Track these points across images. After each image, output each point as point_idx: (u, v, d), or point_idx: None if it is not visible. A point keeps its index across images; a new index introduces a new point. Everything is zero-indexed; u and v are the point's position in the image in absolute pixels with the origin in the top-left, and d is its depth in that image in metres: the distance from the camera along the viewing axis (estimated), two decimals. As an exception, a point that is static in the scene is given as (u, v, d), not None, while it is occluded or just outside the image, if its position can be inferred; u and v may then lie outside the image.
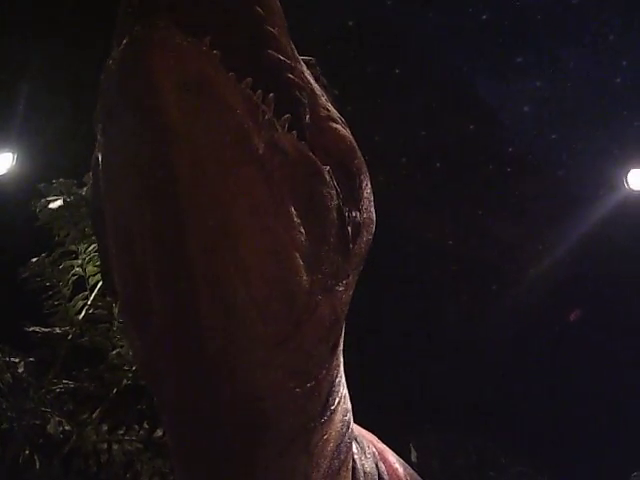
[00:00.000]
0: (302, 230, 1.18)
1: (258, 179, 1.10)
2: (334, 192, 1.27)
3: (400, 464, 1.83)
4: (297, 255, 1.16)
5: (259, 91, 1.12)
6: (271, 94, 1.15)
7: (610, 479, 7.22)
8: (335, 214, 1.28)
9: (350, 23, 7.37)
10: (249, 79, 1.10)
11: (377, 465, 1.71)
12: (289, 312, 1.18)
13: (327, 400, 1.39)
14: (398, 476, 1.77)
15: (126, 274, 1.19)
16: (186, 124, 1.00)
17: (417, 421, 7.65)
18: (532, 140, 8.15)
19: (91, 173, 1.33)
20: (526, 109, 8.02)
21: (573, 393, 7.78)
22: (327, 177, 1.26)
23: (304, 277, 1.19)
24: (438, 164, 8.12)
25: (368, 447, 1.73)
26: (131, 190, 1.09)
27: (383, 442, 1.89)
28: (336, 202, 1.28)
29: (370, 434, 1.86)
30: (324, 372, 1.34)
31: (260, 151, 1.09)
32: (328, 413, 1.40)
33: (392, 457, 1.83)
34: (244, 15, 1.24)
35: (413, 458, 7.16)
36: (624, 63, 7.65)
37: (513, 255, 8.56)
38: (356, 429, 1.66)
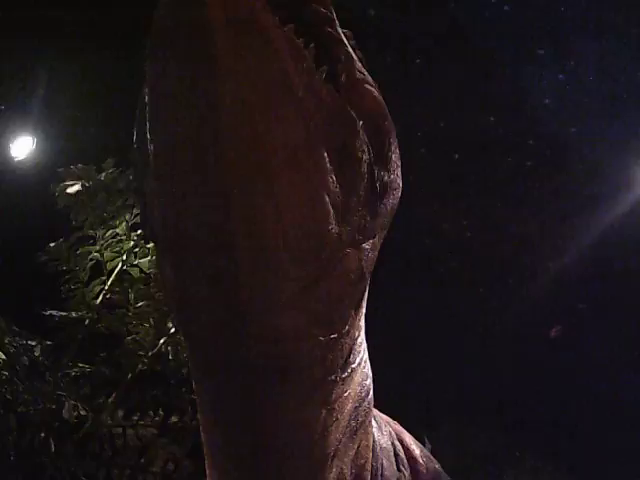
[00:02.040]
0: (334, 176, 1.21)
1: (296, 118, 1.13)
2: (365, 147, 1.31)
3: (417, 445, 1.89)
4: (328, 199, 1.20)
5: (301, 39, 1.17)
6: (312, 44, 1.23)
7: (627, 476, 7.19)
8: (365, 168, 1.32)
9: (371, 12, 7.35)
10: (291, 25, 1.15)
11: (393, 443, 1.76)
12: (317, 255, 1.23)
13: (348, 357, 1.43)
14: (414, 456, 1.83)
15: (166, 205, 1.23)
16: (232, 57, 1.05)
17: (432, 413, 7.63)
18: (553, 134, 8.08)
19: (137, 111, 1.35)
20: (547, 102, 7.97)
21: (592, 389, 7.74)
22: (360, 130, 1.30)
23: (333, 223, 1.23)
24: (457, 156, 8.08)
25: (385, 426, 1.78)
26: (177, 118, 1.14)
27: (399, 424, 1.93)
28: (367, 157, 1.32)
29: (388, 417, 1.90)
30: (347, 327, 1.39)
31: (299, 93, 1.13)
32: (349, 370, 1.44)
33: (409, 438, 1.88)
34: None
35: (427, 450, 7.14)
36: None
37: (531, 250, 8.51)
38: (375, 412, 1.70)
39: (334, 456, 1.43)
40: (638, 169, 7.75)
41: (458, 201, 8.37)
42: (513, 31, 7.66)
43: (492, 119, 7.92)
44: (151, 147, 1.22)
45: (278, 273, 1.18)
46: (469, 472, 7.32)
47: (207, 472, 1.52)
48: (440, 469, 2.04)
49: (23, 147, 6.36)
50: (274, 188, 1.13)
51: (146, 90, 1.23)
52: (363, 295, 1.49)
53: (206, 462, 1.52)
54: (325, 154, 1.19)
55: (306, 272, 1.22)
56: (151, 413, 4.86)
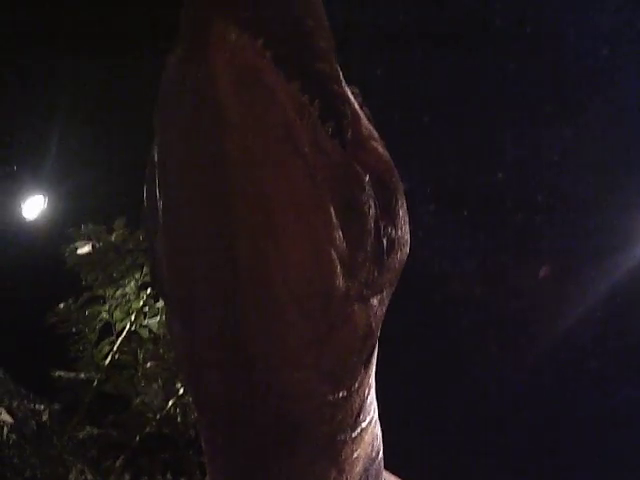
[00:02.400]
0: (340, 232, 1.20)
1: (301, 173, 1.13)
2: (372, 202, 1.30)
3: None
4: (335, 254, 1.19)
5: (306, 95, 1.17)
6: (317, 100, 1.20)
7: None
8: (372, 223, 1.30)
9: (378, 72, 7.43)
10: (297, 82, 1.15)
11: None
12: (325, 310, 1.21)
13: (358, 416, 1.41)
14: None
15: (174, 262, 1.23)
16: (238, 112, 1.06)
17: (446, 475, 7.56)
18: (561, 190, 8.10)
19: (146, 171, 1.37)
20: (556, 158, 8.00)
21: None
22: (366, 186, 1.30)
23: (340, 278, 1.21)
24: (465, 212, 8.10)
25: None
26: (184, 174, 1.15)
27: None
28: (373, 212, 1.31)
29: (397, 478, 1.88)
30: (356, 385, 1.37)
31: (305, 148, 1.13)
32: (358, 430, 1.42)
33: None
34: (297, 27, 1.29)
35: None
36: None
37: (540, 305, 8.47)
38: (385, 474, 1.68)
39: None
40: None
41: (468, 257, 8.35)
42: (521, 88, 7.73)
43: (500, 175, 7.95)
44: (160, 204, 1.22)
45: (286, 329, 1.17)
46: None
47: None
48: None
49: (34, 206, 6.41)
50: (281, 244, 1.13)
51: (155, 147, 1.24)
52: (372, 352, 1.48)
53: None
54: (331, 209, 1.18)
55: (314, 327, 1.20)
56: (159, 477, 4.80)
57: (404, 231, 1.51)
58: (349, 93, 1.46)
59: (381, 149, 1.49)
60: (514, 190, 8.01)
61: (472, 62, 7.62)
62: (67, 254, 4.82)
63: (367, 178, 1.31)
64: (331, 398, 1.30)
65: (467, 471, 7.75)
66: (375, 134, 1.52)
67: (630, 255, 7.88)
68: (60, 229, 5.21)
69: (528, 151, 8.04)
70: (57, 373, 4.70)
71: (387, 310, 1.51)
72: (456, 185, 7.91)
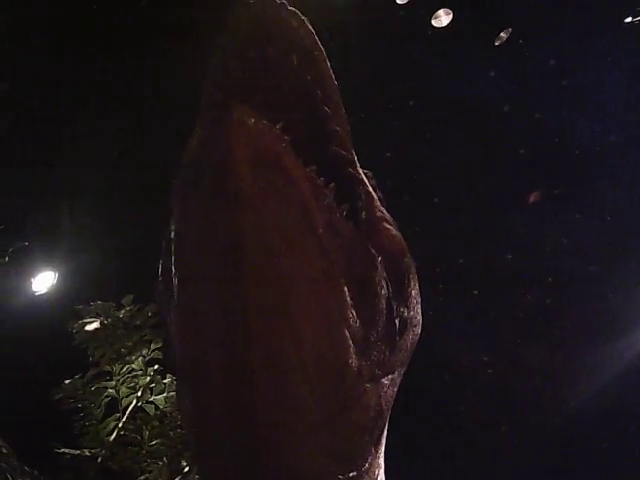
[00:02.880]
0: (353, 311, 1.22)
1: (316, 253, 1.16)
2: (385, 282, 1.33)
3: None
4: (348, 334, 1.20)
5: (322, 178, 1.21)
6: (332, 184, 1.24)
7: None
8: (384, 304, 1.33)
9: (388, 154, 7.53)
10: (313, 166, 1.19)
11: None
12: (336, 390, 1.21)
13: None
14: None
15: (187, 341, 1.24)
16: (256, 195, 1.09)
17: None
18: (571, 272, 8.10)
19: (162, 251, 1.40)
20: (565, 241, 8.02)
21: None
22: (379, 266, 1.32)
23: (353, 357, 1.22)
24: (475, 292, 8.09)
25: None
26: (202, 250, 1.17)
27: None
28: (386, 293, 1.33)
29: None
30: (366, 465, 1.35)
31: (320, 229, 1.16)
32: None
33: None
34: (315, 113, 1.37)
35: None
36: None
37: (553, 387, 8.38)
38: None
39: None
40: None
41: (479, 336, 8.30)
42: (528, 171, 7.80)
43: (510, 256, 7.95)
44: (175, 281, 1.24)
45: (297, 407, 1.17)
46: None
47: None
48: None
49: (44, 282, 6.44)
50: (294, 322, 1.14)
51: (172, 225, 1.27)
52: (383, 432, 1.47)
53: None
54: (345, 289, 1.20)
55: (325, 406, 1.20)
56: None
57: (416, 311, 1.52)
58: (363, 176, 1.50)
59: (394, 231, 1.53)
60: (523, 271, 8.01)
61: (484, 148, 7.72)
62: (75, 330, 4.81)
63: (380, 259, 1.34)
64: (341, 477, 1.28)
65: None
66: (388, 216, 1.56)
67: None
68: (69, 305, 5.21)
69: (536, 232, 8.07)
70: (61, 450, 4.63)
71: (399, 390, 1.51)
72: (466, 265, 7.92)
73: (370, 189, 1.53)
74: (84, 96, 6.68)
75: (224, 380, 1.17)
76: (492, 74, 7.75)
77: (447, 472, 7.70)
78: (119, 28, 6.50)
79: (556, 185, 7.98)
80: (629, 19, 6.71)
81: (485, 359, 8.31)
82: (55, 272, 6.53)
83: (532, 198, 8.00)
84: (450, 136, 7.81)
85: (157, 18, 6.31)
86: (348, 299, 1.21)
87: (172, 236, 1.27)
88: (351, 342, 1.21)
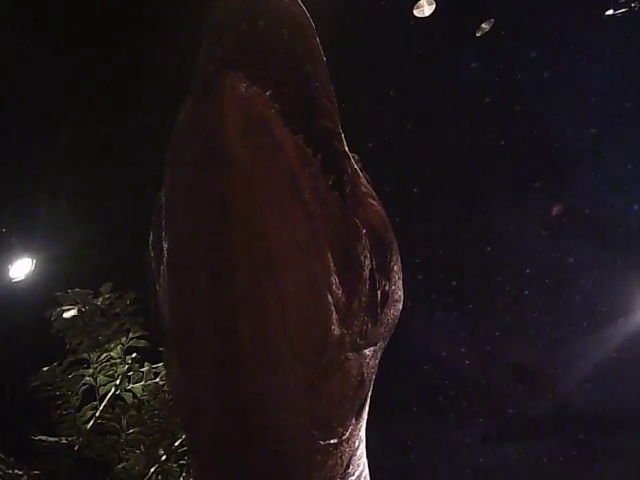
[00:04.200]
0: (336, 278, 1.24)
1: (302, 218, 1.18)
2: (368, 253, 1.35)
3: None
4: (331, 299, 1.22)
5: (309, 148, 1.22)
6: (319, 154, 1.26)
7: None
8: (367, 274, 1.35)
9: (369, 145, 7.52)
10: (301, 135, 1.21)
11: None
12: (319, 356, 1.23)
13: (347, 467, 1.41)
14: None
15: (176, 304, 1.26)
16: (245, 156, 1.11)
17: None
18: (550, 264, 8.15)
19: (154, 215, 1.41)
20: (544, 233, 8.07)
21: None
22: (363, 237, 1.35)
23: (335, 324, 1.24)
24: (454, 283, 8.12)
25: None
26: (191, 213, 1.19)
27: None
28: (369, 264, 1.35)
29: None
30: (347, 434, 1.38)
31: (306, 195, 1.18)
32: None
33: None
34: (304, 85, 1.40)
35: None
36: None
37: (530, 378, 8.44)
38: None
39: None
40: (634, 299, 7.78)
41: (458, 327, 8.35)
42: (508, 162, 7.83)
43: (488, 248, 7.99)
44: (165, 244, 1.26)
45: (281, 370, 1.19)
46: None
47: None
48: None
49: (22, 269, 6.40)
50: (279, 284, 1.15)
51: (163, 190, 1.29)
52: (364, 403, 1.50)
53: None
54: (329, 255, 1.22)
55: (308, 372, 1.22)
56: None
57: (397, 286, 1.54)
58: (349, 153, 1.51)
59: (378, 207, 1.55)
60: (502, 263, 8.05)
61: (465, 139, 7.74)
62: (53, 317, 4.77)
63: (364, 231, 1.36)
64: (322, 443, 1.31)
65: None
66: (372, 192, 1.57)
67: (618, 330, 7.90)
68: (47, 292, 5.18)
69: (515, 224, 8.11)
70: (38, 437, 4.60)
71: (380, 364, 1.53)
72: (444, 256, 7.95)
73: (356, 166, 1.56)
74: (59, 85, 6.63)
75: (210, 341, 1.19)
76: (473, 65, 7.77)
77: (425, 462, 7.76)
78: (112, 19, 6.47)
79: (535, 177, 8.02)
80: (610, 12, 6.74)
81: (463, 350, 8.35)
82: (33, 259, 6.50)
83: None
84: (430, 127, 7.83)
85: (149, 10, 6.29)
86: (332, 265, 1.23)
87: (163, 201, 1.28)
88: (333, 308, 1.23)
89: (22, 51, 6.40)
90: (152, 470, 4.62)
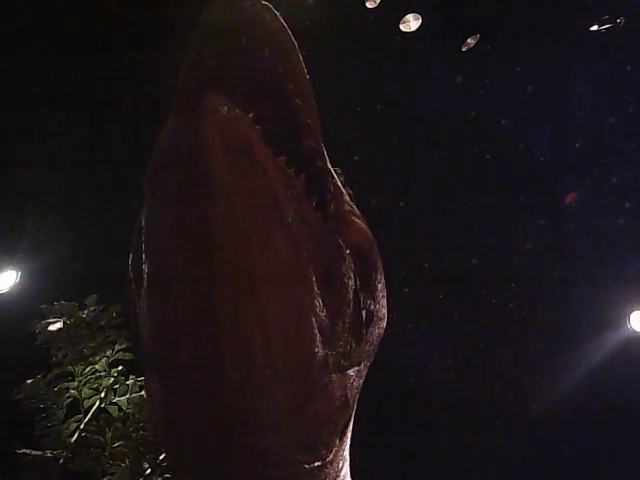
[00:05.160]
0: (320, 300, 1.23)
1: (285, 241, 1.17)
2: (352, 274, 1.35)
3: None
4: (314, 323, 1.22)
5: (292, 169, 1.22)
6: (302, 175, 1.26)
7: None
8: (351, 294, 1.35)
9: (355, 158, 7.54)
10: (283, 157, 1.21)
11: None
12: (303, 379, 1.22)
13: None
14: None
15: (156, 326, 1.25)
16: (227, 180, 1.10)
17: None
18: (535, 279, 8.18)
19: (133, 236, 1.40)
20: (529, 247, 8.10)
21: None
22: (347, 258, 1.34)
23: (320, 346, 1.24)
24: (440, 296, 8.13)
25: None
26: (172, 237, 1.18)
27: None
28: (353, 284, 1.36)
29: None
30: (331, 456, 1.36)
31: (288, 218, 1.18)
32: None
33: None
34: (286, 104, 1.39)
35: None
36: (627, 204, 7.79)
37: (515, 391, 8.44)
38: None
39: None
40: (620, 314, 7.80)
41: (444, 340, 8.35)
42: (494, 176, 7.87)
43: (475, 261, 8.01)
44: (145, 268, 1.24)
45: (264, 393, 1.18)
46: None
47: None
48: None
49: (7, 280, 6.37)
50: (262, 309, 1.14)
51: (143, 213, 1.27)
52: (348, 424, 1.49)
53: None
54: (312, 277, 1.21)
55: (292, 394, 1.21)
56: None
57: (382, 305, 1.54)
58: (332, 170, 1.51)
59: (362, 224, 1.55)
60: (489, 275, 8.07)
61: (451, 153, 7.78)
62: (38, 330, 4.74)
63: (348, 251, 1.36)
64: (306, 467, 1.29)
65: None
66: (357, 210, 1.58)
67: (606, 343, 7.92)
68: (32, 304, 5.15)
69: (503, 239, 8.14)
70: (22, 451, 4.56)
71: (364, 383, 1.52)
72: (432, 268, 7.97)
73: (339, 183, 1.56)
74: (50, 93, 6.62)
75: (192, 368, 1.18)
76: (459, 79, 7.81)
77: (410, 475, 7.73)
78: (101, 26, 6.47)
79: (521, 191, 8.05)
80: (595, 27, 6.80)
81: (449, 363, 8.35)
82: (18, 271, 6.47)
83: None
84: (417, 141, 7.86)
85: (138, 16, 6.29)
86: (315, 288, 1.22)
87: (143, 224, 1.27)
88: (317, 331, 1.23)
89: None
90: (136, 484, 4.59)
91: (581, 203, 7.94)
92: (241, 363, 1.15)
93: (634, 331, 7.66)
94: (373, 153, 7.73)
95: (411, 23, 6.68)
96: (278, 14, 1.40)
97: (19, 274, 6.40)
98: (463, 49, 7.17)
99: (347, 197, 1.58)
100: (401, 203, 7.92)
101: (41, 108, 6.65)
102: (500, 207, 8.08)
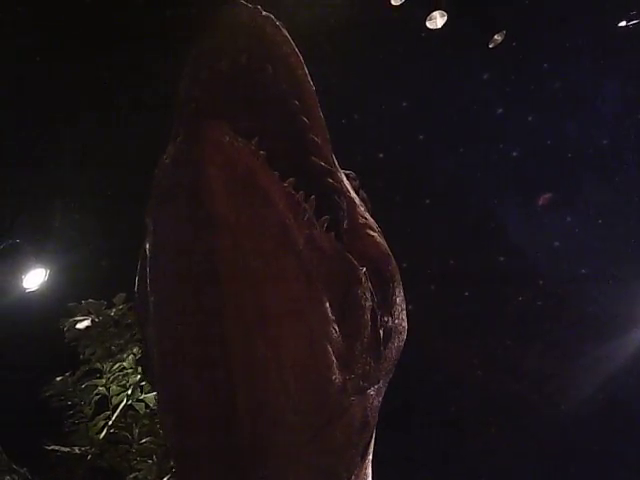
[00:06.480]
0: (336, 326, 1.20)
1: (296, 271, 1.14)
2: (369, 294, 1.31)
3: None
4: (331, 350, 1.18)
5: (301, 192, 1.18)
6: (312, 196, 1.22)
7: None
8: (368, 315, 1.30)
9: (380, 155, 7.53)
10: (292, 179, 1.17)
11: None
12: (321, 407, 1.19)
13: None
14: None
15: (166, 358, 1.21)
16: (231, 214, 1.07)
17: None
18: (563, 275, 8.12)
19: (138, 265, 1.36)
20: (557, 244, 8.04)
21: None
22: (363, 278, 1.30)
23: (337, 373, 1.20)
24: (467, 293, 8.10)
25: None
26: (176, 272, 1.14)
27: None
28: (370, 304, 1.31)
29: None
30: (353, 478, 1.33)
31: (299, 246, 1.14)
32: None
33: None
34: (292, 123, 1.34)
35: None
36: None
37: (542, 387, 8.39)
38: None
39: None
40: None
41: (470, 338, 8.32)
42: (521, 173, 7.82)
43: (502, 259, 7.97)
44: (151, 301, 1.22)
45: (280, 427, 1.15)
46: None
47: None
48: None
49: (35, 279, 6.42)
50: (276, 341, 1.12)
51: (146, 244, 1.25)
52: (370, 442, 1.44)
53: None
54: (327, 303, 1.19)
55: (310, 424, 1.18)
56: None
57: (401, 319, 1.50)
58: (345, 181, 1.48)
59: (378, 237, 1.50)
60: (515, 273, 8.02)
61: (477, 150, 7.74)
62: (66, 328, 4.79)
63: (364, 270, 1.32)
64: None
65: None
66: (371, 222, 1.53)
67: (632, 339, 7.86)
68: (60, 303, 5.19)
69: (530, 236, 8.09)
70: (51, 447, 4.61)
71: (384, 398, 1.49)
72: (458, 266, 7.93)
73: (352, 194, 1.51)
74: (77, 94, 6.67)
75: (203, 404, 1.15)
76: (485, 76, 7.77)
77: (439, 474, 7.72)
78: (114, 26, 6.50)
79: (549, 188, 8.00)
80: (623, 23, 6.74)
81: (475, 361, 8.32)
82: (46, 269, 6.52)
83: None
84: (443, 138, 7.83)
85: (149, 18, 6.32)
86: (330, 315, 1.19)
87: (146, 256, 1.24)
88: (334, 358, 1.19)
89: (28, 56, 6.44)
90: (164, 480, 4.62)
91: (608, 200, 7.87)
92: (255, 395, 1.12)
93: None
94: (399, 150, 7.72)
95: (437, 20, 6.65)
96: (280, 24, 1.35)
97: (47, 272, 6.45)
98: (490, 46, 7.12)
99: (361, 208, 1.52)
100: (427, 200, 7.90)
101: (69, 106, 6.70)
102: (528, 204, 8.04)
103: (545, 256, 8.09)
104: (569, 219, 8.00)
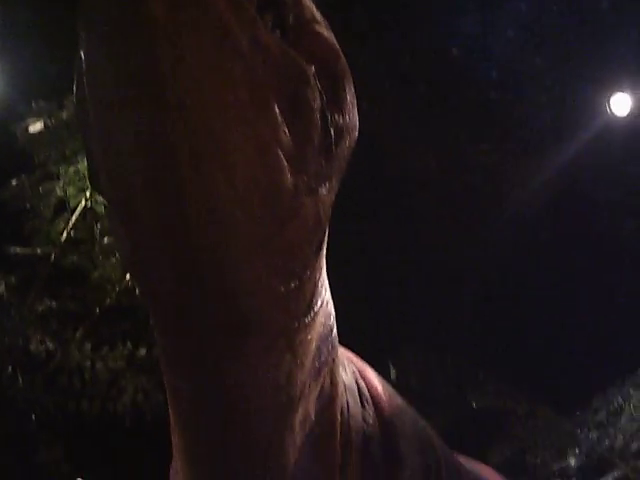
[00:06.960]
0: (286, 130, 1.18)
1: (241, 74, 1.10)
2: (318, 94, 1.27)
3: (379, 382, 1.86)
4: (281, 154, 1.17)
5: None
6: None
7: (589, 397, 7.24)
8: (319, 115, 1.28)
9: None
10: None
11: (357, 382, 1.75)
12: (273, 211, 1.19)
13: (311, 301, 1.38)
14: (377, 394, 1.80)
15: (111, 167, 1.15)
16: (167, 17, 1.01)
17: (396, 340, 7.66)
18: (516, 65, 8.08)
19: (75, 75, 1.31)
20: (510, 33, 7.95)
21: (553, 312, 7.75)
22: (311, 78, 1.26)
23: (288, 175, 1.19)
24: (422, 88, 8.06)
25: (348, 365, 1.77)
26: (113, 83, 1.08)
27: (362, 360, 1.93)
28: (320, 104, 1.28)
29: (350, 353, 1.90)
30: (308, 273, 1.35)
31: (242, 48, 1.09)
32: (311, 314, 1.38)
33: (371, 375, 1.86)
34: None
35: (392, 376, 7.20)
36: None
37: (495, 181, 8.54)
38: (339, 350, 1.69)
39: (300, 398, 1.42)
40: (600, 98, 7.77)
41: (421, 134, 8.35)
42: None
43: (454, 50, 7.90)
44: (91, 107, 1.13)
45: (232, 232, 1.15)
46: (433, 398, 7.38)
47: (174, 441, 1.47)
48: (403, 404, 2.00)
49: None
50: (222, 147, 1.10)
51: (82, 54, 1.12)
52: (323, 238, 1.45)
53: (173, 431, 1.47)
54: (275, 106, 1.15)
55: (263, 227, 1.18)
56: (120, 346, 4.89)
57: (352, 115, 1.48)
58: None
59: (326, 32, 1.43)
60: (469, 66, 7.97)
61: None
62: (18, 132, 4.74)
63: (312, 68, 1.29)
64: (283, 290, 1.27)
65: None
66: (318, 16, 1.46)
67: (586, 129, 7.92)
68: (9, 107, 5.10)
69: (482, 27, 7.97)
70: (12, 248, 4.70)
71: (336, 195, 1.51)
72: (412, 60, 7.85)
73: None
74: None
75: (153, 208, 1.12)
76: None
77: (394, 260, 7.89)
78: None
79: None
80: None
81: (428, 155, 8.36)
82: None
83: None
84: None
85: None
86: (279, 118, 1.16)
87: (83, 67, 1.13)
88: (285, 160, 1.17)
89: None
90: (128, 276, 4.71)
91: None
92: (206, 204, 1.10)
93: (614, 115, 7.65)
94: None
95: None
96: None
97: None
98: None
99: (307, 1, 1.46)
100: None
101: None
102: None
103: (498, 47, 8.01)
104: (523, 7, 7.85)
